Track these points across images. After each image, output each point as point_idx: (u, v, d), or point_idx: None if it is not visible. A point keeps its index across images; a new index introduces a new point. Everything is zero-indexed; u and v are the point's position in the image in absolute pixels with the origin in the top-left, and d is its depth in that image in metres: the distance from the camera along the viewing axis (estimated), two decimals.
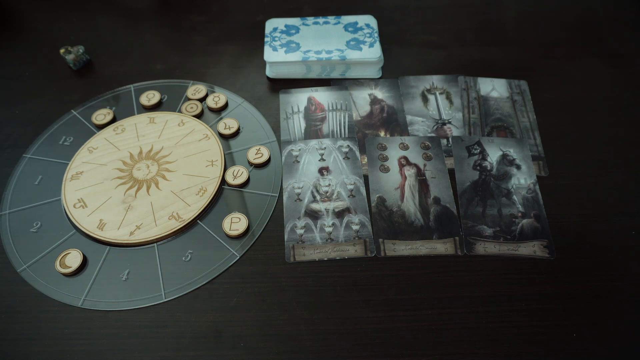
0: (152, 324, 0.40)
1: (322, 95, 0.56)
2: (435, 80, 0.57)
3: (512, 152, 0.50)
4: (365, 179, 0.48)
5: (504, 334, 0.38)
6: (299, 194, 0.47)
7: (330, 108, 0.54)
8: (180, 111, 0.55)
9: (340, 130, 0.52)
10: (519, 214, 0.45)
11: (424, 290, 0.41)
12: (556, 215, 0.45)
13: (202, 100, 0.56)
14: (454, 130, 0.52)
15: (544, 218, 0.45)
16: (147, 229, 0.44)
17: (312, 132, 0.52)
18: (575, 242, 0.44)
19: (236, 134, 0.52)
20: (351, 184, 0.47)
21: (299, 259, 0.43)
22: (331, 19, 0.60)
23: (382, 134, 0.52)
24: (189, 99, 0.56)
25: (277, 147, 0.51)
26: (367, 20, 0.60)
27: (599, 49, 0.61)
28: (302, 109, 0.55)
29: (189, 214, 0.45)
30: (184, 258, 0.43)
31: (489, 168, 0.49)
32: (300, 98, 0.55)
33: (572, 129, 0.52)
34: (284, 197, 0.47)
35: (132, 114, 0.54)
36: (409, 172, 0.48)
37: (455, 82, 0.56)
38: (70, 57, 0.58)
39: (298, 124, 0.53)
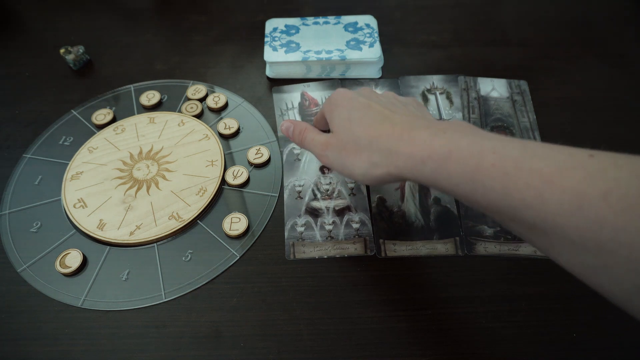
0: (152, 324, 0.40)
1: (314, 91, 0.56)
2: (435, 80, 0.57)
3: None
4: None
5: (504, 334, 0.38)
6: (299, 192, 0.47)
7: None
8: (180, 111, 0.55)
9: None
10: None
11: (424, 290, 0.41)
12: None
13: (202, 100, 0.56)
14: None
15: None
16: (147, 229, 0.44)
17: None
18: None
19: (236, 134, 0.52)
20: (352, 183, 0.47)
21: (299, 257, 0.43)
22: (331, 19, 0.60)
23: None
24: (189, 99, 0.56)
25: (277, 147, 0.51)
26: (367, 20, 0.60)
27: (599, 49, 0.61)
28: (296, 105, 0.55)
29: (189, 214, 0.45)
30: (184, 258, 0.43)
31: None
32: (293, 94, 0.56)
33: (572, 128, 0.52)
34: (285, 195, 0.47)
35: (132, 114, 0.54)
36: None
37: (455, 82, 0.56)
38: (70, 57, 0.58)
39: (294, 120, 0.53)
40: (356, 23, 0.60)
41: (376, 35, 0.58)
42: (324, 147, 0.38)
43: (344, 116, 0.37)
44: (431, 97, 0.55)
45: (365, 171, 0.35)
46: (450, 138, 0.30)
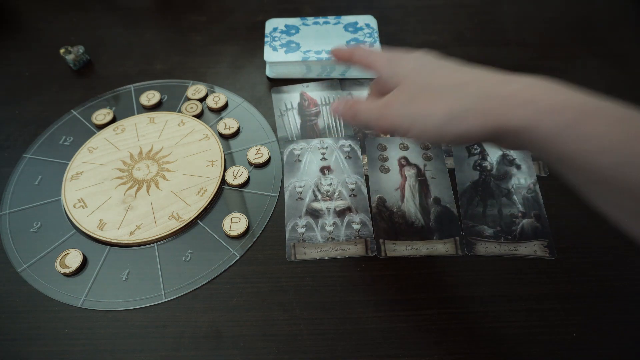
0: (152, 324, 0.39)
1: (313, 91, 0.56)
2: None
3: (512, 152, 0.50)
4: (366, 179, 0.48)
5: (504, 334, 0.38)
6: (300, 193, 0.47)
7: (324, 103, 0.54)
8: (180, 111, 0.55)
9: (336, 124, 0.53)
10: (519, 214, 0.45)
11: (424, 290, 0.41)
12: (556, 215, 0.45)
13: (202, 100, 0.56)
14: None
15: (544, 218, 0.45)
16: (147, 229, 0.44)
17: (309, 127, 0.53)
18: (575, 242, 0.44)
19: (236, 134, 0.52)
20: (352, 184, 0.47)
21: (299, 258, 0.43)
22: (331, 19, 0.60)
23: (382, 134, 0.52)
24: (189, 99, 0.56)
25: (277, 147, 0.51)
26: (367, 20, 0.60)
27: (599, 49, 0.61)
28: (295, 105, 0.55)
29: (189, 214, 0.45)
30: (184, 258, 0.43)
31: (489, 168, 0.49)
32: (292, 95, 0.56)
33: None
34: (286, 196, 0.47)
35: (132, 114, 0.54)
36: (409, 172, 0.48)
37: None
38: (70, 57, 0.58)
39: (293, 120, 0.53)
40: (356, 23, 0.60)
41: (376, 35, 0.58)
42: (383, 107, 0.31)
43: (411, 66, 0.32)
44: None
45: (445, 122, 0.27)
46: (583, 94, 0.23)
